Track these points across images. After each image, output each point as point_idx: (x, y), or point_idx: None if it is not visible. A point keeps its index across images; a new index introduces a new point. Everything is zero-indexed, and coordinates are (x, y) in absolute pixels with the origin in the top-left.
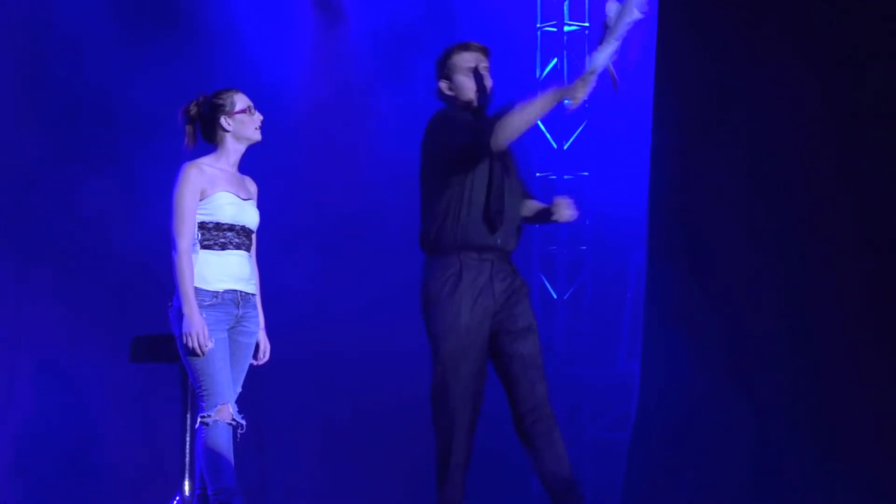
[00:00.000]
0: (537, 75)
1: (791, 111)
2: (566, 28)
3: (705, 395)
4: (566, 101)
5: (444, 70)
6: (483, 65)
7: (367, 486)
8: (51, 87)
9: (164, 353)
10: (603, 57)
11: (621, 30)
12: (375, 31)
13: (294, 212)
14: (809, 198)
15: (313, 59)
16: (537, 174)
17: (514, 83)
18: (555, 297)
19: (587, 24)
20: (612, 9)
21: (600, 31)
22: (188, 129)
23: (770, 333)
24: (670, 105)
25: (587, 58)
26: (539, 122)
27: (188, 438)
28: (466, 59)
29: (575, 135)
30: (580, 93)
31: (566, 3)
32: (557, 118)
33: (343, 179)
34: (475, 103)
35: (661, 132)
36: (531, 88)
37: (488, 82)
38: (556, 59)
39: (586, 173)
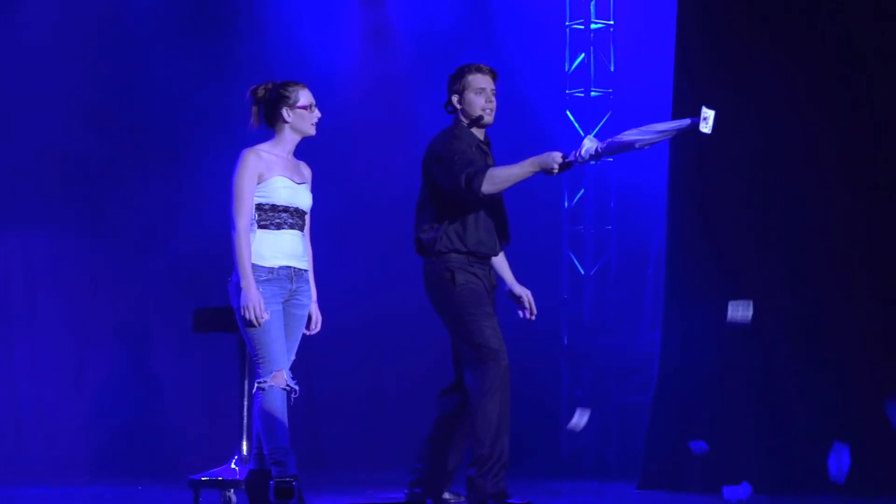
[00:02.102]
0: (566, 69)
1: (799, 111)
2: (593, 25)
3: (719, 363)
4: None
5: (456, 86)
6: (491, 87)
7: (412, 447)
8: (120, 85)
9: (224, 324)
10: (583, 161)
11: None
12: (417, 27)
13: (342, 195)
14: (813, 186)
15: (360, 53)
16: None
17: (545, 77)
18: (582, 272)
19: (612, 22)
20: (588, 144)
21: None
22: (254, 109)
23: (779, 305)
24: (688, 99)
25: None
26: (568, 113)
27: (245, 402)
28: (478, 81)
29: (601, 124)
30: (554, 173)
31: (593, 2)
32: (584, 109)
33: (386, 165)
34: (481, 121)
35: None
36: (560, 81)
37: (494, 104)
38: (583, 55)
39: (611, 159)
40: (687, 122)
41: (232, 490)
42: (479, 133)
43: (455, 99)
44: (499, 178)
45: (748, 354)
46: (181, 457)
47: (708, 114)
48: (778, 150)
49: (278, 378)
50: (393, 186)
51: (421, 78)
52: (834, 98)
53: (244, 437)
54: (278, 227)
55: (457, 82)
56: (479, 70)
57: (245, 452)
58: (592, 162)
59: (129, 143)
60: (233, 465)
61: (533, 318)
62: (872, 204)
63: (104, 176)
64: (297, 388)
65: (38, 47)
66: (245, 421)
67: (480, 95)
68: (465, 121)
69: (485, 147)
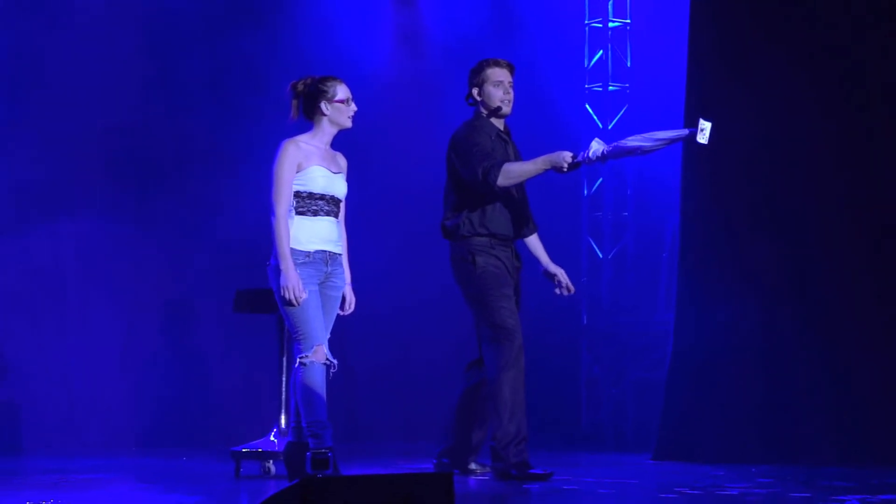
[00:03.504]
0: (585, 65)
1: (805, 106)
2: (610, 24)
3: (730, 341)
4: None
5: (476, 79)
6: (509, 80)
7: (440, 420)
8: (163, 81)
9: (263, 305)
10: (591, 161)
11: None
12: (445, 27)
13: (373, 184)
14: (818, 174)
15: (391, 52)
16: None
17: (566, 72)
18: (601, 256)
19: (629, 21)
20: (597, 147)
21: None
22: (294, 102)
23: (788, 287)
24: (700, 93)
25: (584, 153)
26: (587, 106)
27: (283, 378)
28: (497, 74)
29: (618, 116)
30: (564, 171)
31: (610, 2)
32: (602, 102)
33: (413, 156)
34: (500, 111)
35: (693, 115)
36: (580, 77)
37: (511, 95)
38: (601, 51)
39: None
40: (686, 132)
41: (271, 461)
42: (498, 123)
43: (475, 91)
44: (513, 173)
45: (757, 333)
46: (225, 429)
47: (705, 125)
48: (784, 141)
49: (318, 353)
50: (420, 176)
51: (448, 74)
52: (838, 94)
53: (282, 411)
54: (315, 213)
55: (476, 76)
56: (497, 63)
57: (283, 426)
58: (599, 163)
59: (172, 138)
60: (272, 438)
61: (570, 293)
62: (874, 193)
63: (150, 168)
64: (335, 362)
65: (85, 47)
66: (283, 396)
67: (499, 88)
68: (485, 112)
69: (505, 136)
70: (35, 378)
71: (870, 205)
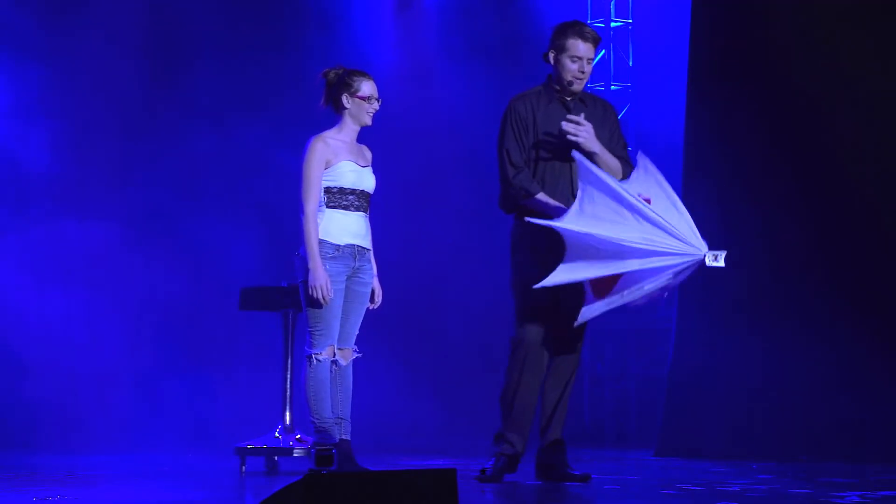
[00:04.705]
0: None
1: (804, 103)
2: (612, 24)
3: (730, 339)
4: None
5: (556, 43)
6: (588, 56)
7: (448, 421)
8: (170, 80)
9: (268, 302)
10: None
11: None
12: (443, 18)
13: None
14: (819, 170)
15: (402, 53)
16: None
17: None
18: None
19: (630, 21)
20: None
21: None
22: (326, 90)
23: (790, 287)
24: (702, 92)
25: None
26: None
27: (288, 375)
28: (577, 48)
29: (620, 115)
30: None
31: (612, 2)
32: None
33: (424, 140)
34: (570, 87)
35: (693, 115)
36: None
37: (587, 74)
38: (603, 51)
39: (629, 149)
40: (699, 258)
41: (276, 457)
42: (567, 93)
43: (551, 55)
44: (531, 204)
45: (757, 330)
46: (231, 424)
47: (718, 254)
48: (785, 140)
49: (329, 352)
50: (428, 172)
51: (450, 74)
52: (841, 91)
53: (287, 408)
54: (345, 208)
55: (557, 39)
56: (581, 35)
57: (288, 422)
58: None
59: (180, 138)
60: (276, 434)
61: None
62: (877, 190)
63: (158, 168)
64: (360, 354)
65: (100, 50)
66: (288, 393)
67: (575, 63)
68: (555, 85)
69: (569, 104)
70: (45, 378)
71: (870, 201)
